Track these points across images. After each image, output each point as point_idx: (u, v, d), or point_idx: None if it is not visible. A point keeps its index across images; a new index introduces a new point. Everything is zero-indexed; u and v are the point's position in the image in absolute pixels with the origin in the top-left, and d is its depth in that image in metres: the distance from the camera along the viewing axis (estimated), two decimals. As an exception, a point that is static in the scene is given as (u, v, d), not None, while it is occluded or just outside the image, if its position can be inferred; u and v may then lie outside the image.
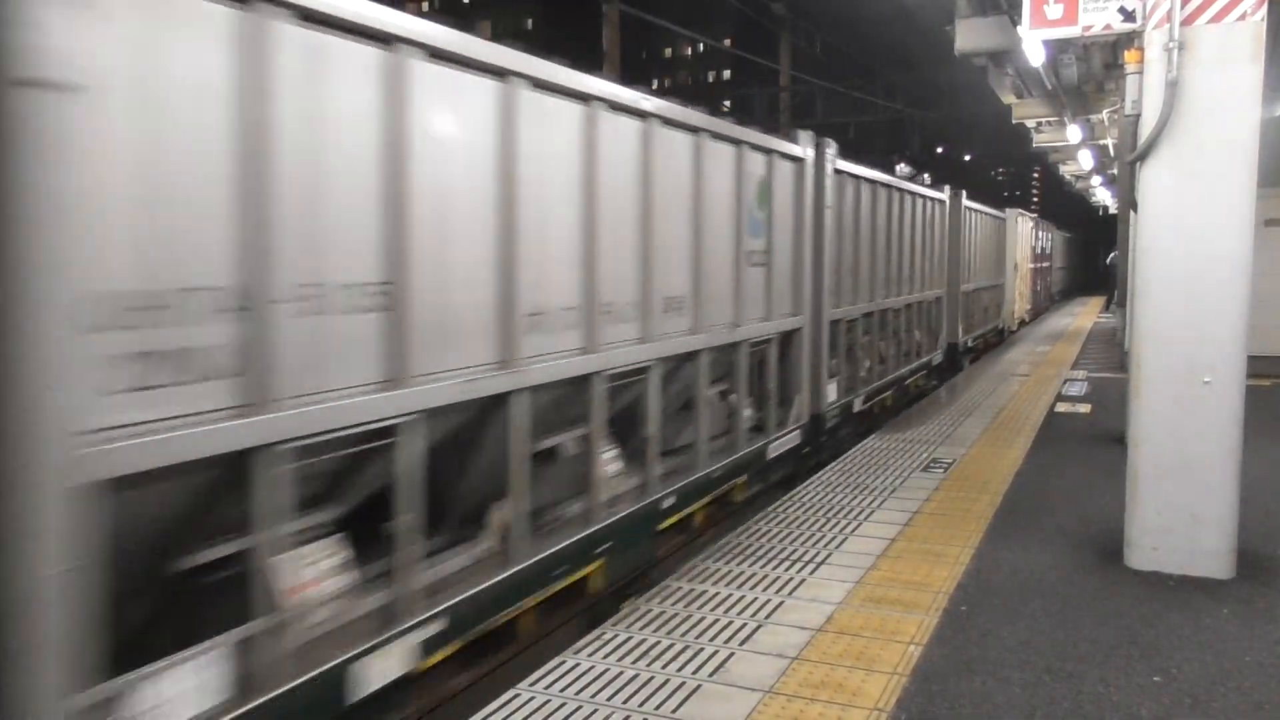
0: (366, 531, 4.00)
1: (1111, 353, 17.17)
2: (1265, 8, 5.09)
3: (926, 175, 15.39)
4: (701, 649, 4.42)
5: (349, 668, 3.67)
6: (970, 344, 17.73)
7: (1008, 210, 23.29)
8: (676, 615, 4.84)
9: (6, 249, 2.57)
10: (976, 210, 18.24)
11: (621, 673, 4.17)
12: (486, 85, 4.40)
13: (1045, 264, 31.83)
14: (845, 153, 9.78)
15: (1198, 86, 5.22)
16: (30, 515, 2.61)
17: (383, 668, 3.79)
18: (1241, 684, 4.10)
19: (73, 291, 2.68)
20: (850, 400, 10.15)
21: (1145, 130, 5.38)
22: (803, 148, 8.47)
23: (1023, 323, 25.24)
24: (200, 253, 3.11)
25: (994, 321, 20.83)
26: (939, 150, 46.56)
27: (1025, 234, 25.49)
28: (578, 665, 4.25)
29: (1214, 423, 5.32)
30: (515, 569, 4.67)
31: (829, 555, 5.78)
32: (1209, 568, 5.36)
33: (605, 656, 4.34)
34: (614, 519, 5.51)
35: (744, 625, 4.70)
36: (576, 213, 5.11)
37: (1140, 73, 5.41)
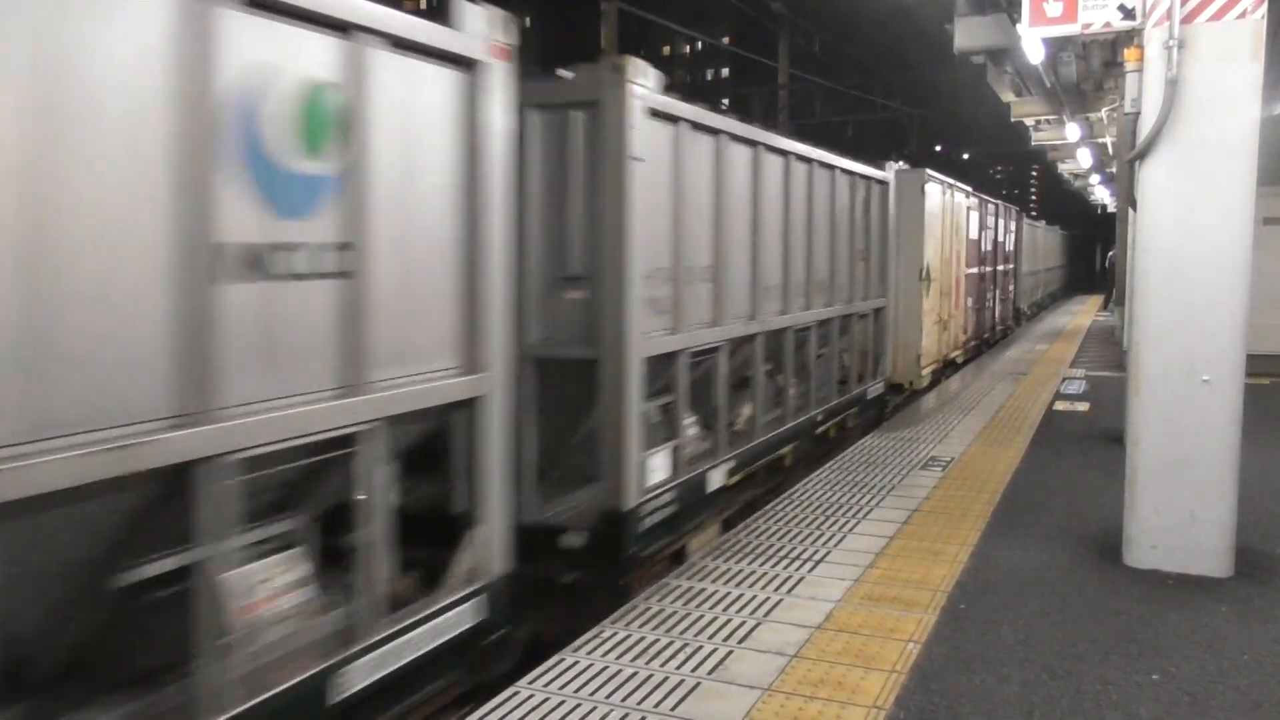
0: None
1: (1110, 351, 17.18)
2: (1265, 6, 5.09)
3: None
4: (701, 647, 4.41)
5: None
6: (731, 478, 6.97)
7: (898, 170, 11.75)
8: (676, 613, 4.84)
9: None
10: (763, 147, 7.41)
11: (621, 670, 4.17)
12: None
13: (1004, 267, 20.78)
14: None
15: (1197, 84, 5.21)
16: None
17: None
18: (1240, 682, 4.10)
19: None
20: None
21: (1145, 128, 5.38)
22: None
23: (948, 366, 14.92)
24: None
25: (853, 387, 10.25)
26: (938, 149, 46.55)
27: (950, 216, 14.41)
28: (577, 663, 4.25)
29: (1213, 421, 5.32)
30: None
31: (828, 553, 5.77)
32: (1208, 566, 5.36)
33: (605, 654, 4.34)
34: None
35: (743, 623, 4.70)
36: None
37: (1140, 71, 5.40)
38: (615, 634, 4.58)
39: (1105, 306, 28.44)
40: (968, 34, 10.90)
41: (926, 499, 7.05)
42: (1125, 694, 3.98)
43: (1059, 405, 11.52)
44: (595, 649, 4.40)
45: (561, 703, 3.87)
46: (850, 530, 6.25)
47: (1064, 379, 13.89)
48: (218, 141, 3.06)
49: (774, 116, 27.85)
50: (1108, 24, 5.69)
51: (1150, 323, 5.46)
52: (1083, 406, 11.44)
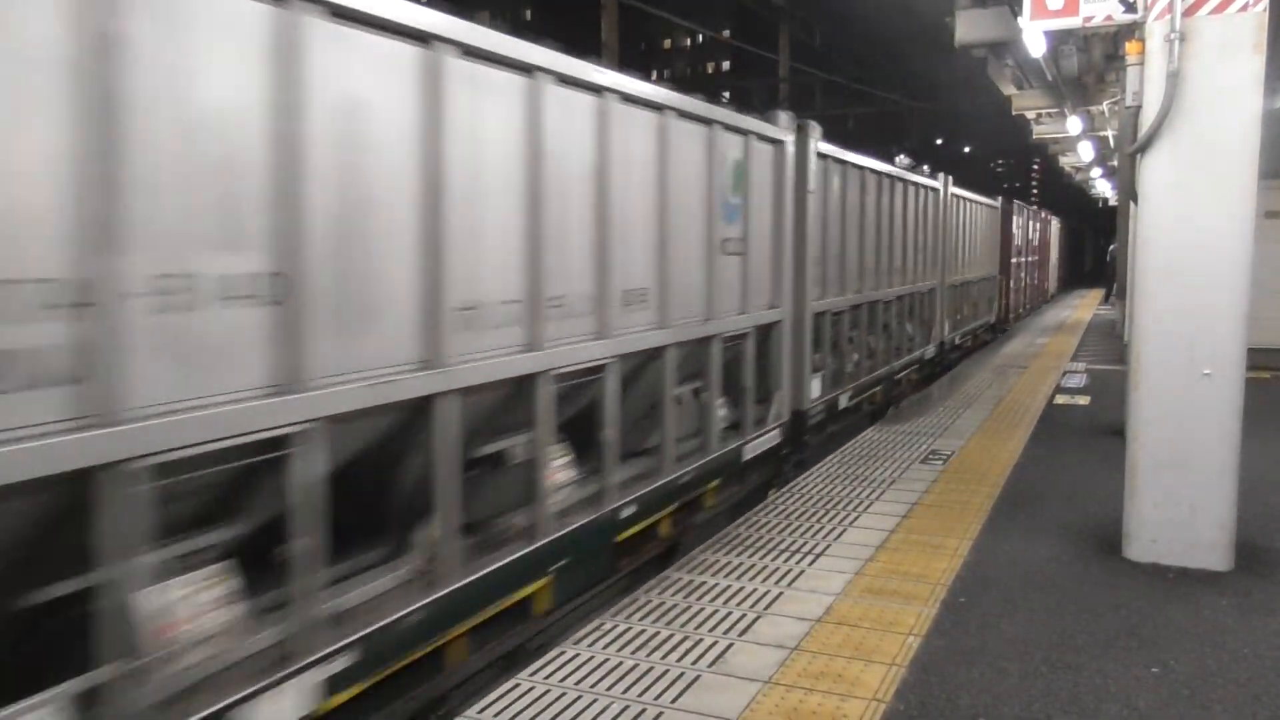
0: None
1: (1111, 345, 17.18)
2: (1267, -1, 5.09)
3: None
4: (701, 639, 4.42)
5: None
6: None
7: None
8: (676, 606, 4.85)
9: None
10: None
11: (621, 663, 4.18)
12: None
13: None
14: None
15: (1199, 78, 5.20)
16: None
17: None
18: (1239, 676, 4.10)
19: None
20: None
21: (1146, 122, 5.37)
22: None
23: None
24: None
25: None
26: (938, 142, 46.44)
27: None
28: (577, 655, 4.26)
29: (1213, 415, 5.32)
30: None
31: (828, 547, 5.78)
32: (1207, 560, 5.37)
33: (605, 647, 4.35)
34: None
35: (743, 616, 4.71)
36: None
37: (1141, 64, 5.39)
38: (615, 626, 4.58)
39: (1106, 300, 28.43)
40: (969, 27, 10.88)
41: (927, 492, 7.06)
42: (1124, 687, 3.98)
43: (1059, 399, 11.52)
44: (595, 641, 4.41)
45: (562, 695, 3.88)
46: (851, 524, 6.25)
47: (1064, 372, 13.89)
48: None
49: (774, 110, 27.76)
50: (1109, 17, 5.68)
51: (1151, 316, 5.45)
52: (1083, 400, 11.44)
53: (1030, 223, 26.74)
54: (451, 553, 4.26)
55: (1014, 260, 23.08)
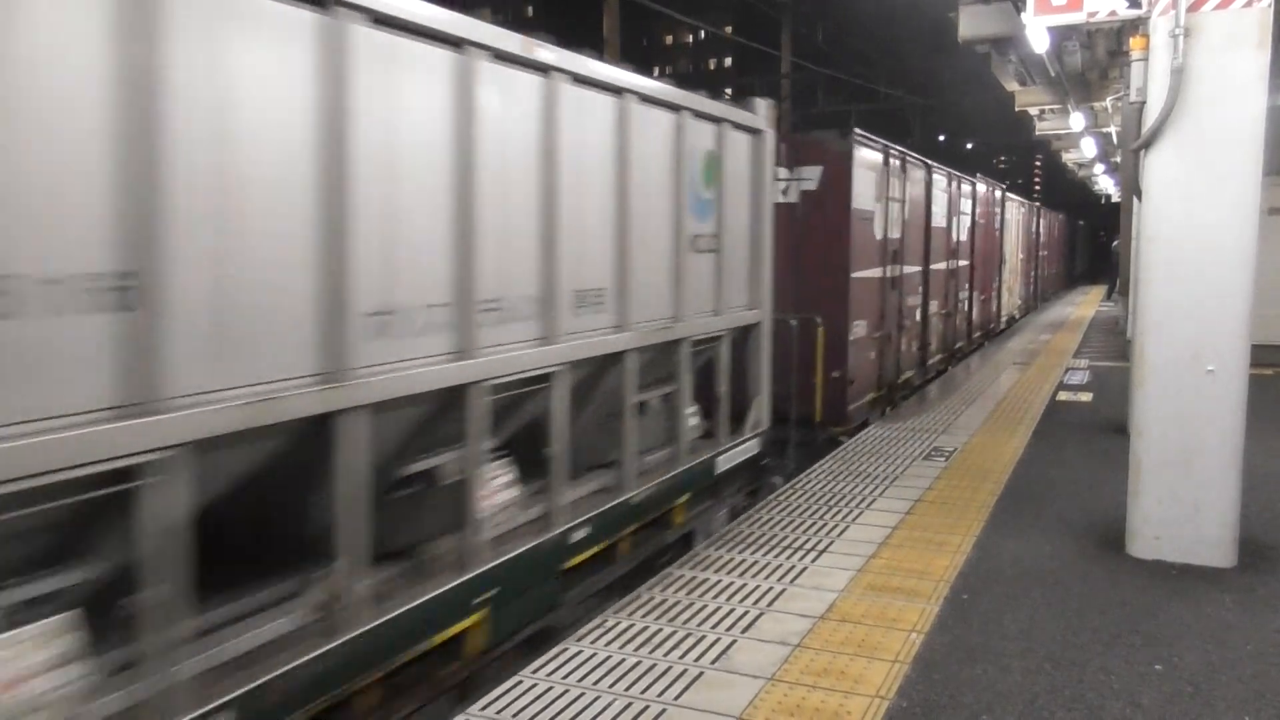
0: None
1: (1113, 341, 17.16)
2: (1271, -6, 5.07)
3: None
4: (704, 636, 4.42)
5: None
6: None
7: None
8: (679, 603, 4.85)
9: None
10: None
11: (624, 660, 4.18)
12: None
13: None
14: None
15: (1203, 73, 5.19)
16: None
17: None
18: (1242, 673, 4.10)
19: None
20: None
21: (1150, 118, 5.36)
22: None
23: None
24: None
25: None
26: (941, 138, 46.35)
27: None
28: (581, 652, 4.26)
29: (1217, 412, 5.32)
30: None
31: (831, 543, 5.78)
32: (1211, 557, 5.36)
33: (608, 644, 4.35)
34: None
35: (746, 613, 4.71)
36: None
37: (1145, 60, 5.38)
38: (618, 623, 4.59)
39: (1109, 297, 28.37)
40: (972, 23, 10.86)
41: (930, 489, 7.05)
42: (1128, 684, 3.98)
43: (1062, 395, 11.51)
44: (599, 638, 4.41)
45: (565, 692, 3.88)
46: (854, 520, 6.25)
47: (1067, 369, 13.88)
48: None
49: (777, 106, 27.71)
50: (1113, 12, 5.67)
51: (1154, 313, 5.45)
52: (1086, 397, 11.43)
53: (960, 200, 14.52)
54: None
55: (890, 271, 10.84)
